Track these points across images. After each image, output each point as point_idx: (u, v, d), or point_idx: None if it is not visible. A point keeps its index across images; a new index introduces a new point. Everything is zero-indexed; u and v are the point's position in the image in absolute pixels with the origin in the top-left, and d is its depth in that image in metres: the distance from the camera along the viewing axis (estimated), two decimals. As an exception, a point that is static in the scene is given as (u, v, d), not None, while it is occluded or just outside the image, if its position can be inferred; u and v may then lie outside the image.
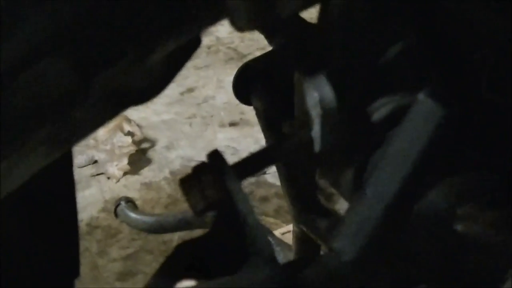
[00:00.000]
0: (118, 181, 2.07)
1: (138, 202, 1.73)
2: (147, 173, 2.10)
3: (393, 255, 0.55)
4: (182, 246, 0.53)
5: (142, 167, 2.12)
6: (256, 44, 2.58)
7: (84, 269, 1.66)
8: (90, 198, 1.99)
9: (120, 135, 2.19)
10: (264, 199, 1.87)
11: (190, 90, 2.45)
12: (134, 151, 2.16)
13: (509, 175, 0.55)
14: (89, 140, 2.11)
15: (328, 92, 0.55)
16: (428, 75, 0.54)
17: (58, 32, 0.40)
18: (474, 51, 0.55)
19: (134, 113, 2.26)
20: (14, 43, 0.39)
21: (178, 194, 1.98)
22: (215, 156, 0.52)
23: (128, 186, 2.05)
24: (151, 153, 2.19)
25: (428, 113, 0.51)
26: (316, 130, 0.57)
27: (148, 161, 2.15)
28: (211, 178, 0.52)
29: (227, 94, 2.38)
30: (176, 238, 1.80)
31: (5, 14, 0.38)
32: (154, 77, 0.52)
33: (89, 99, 0.46)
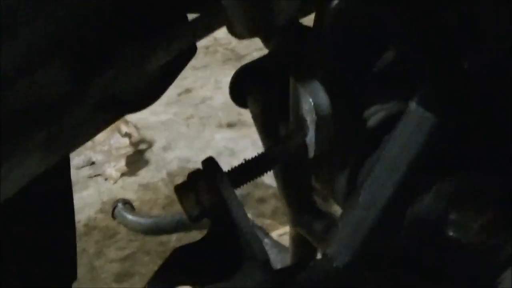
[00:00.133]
0: (115, 182, 2.08)
1: (135, 203, 1.74)
2: (144, 174, 2.10)
3: (386, 259, 0.55)
4: (178, 251, 0.53)
5: (139, 168, 2.13)
6: (253, 45, 2.58)
7: (81, 270, 1.67)
8: (88, 199, 1.99)
9: (117, 136, 2.20)
10: (261, 200, 1.88)
11: (188, 90, 2.45)
12: (131, 152, 2.17)
13: (504, 177, 0.55)
14: (87, 142, 2.11)
15: (322, 98, 0.55)
16: (420, 83, 0.55)
17: (55, 39, 0.40)
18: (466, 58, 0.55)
19: (131, 114, 2.26)
20: (13, 50, 0.39)
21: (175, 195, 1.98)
22: (210, 163, 0.53)
23: (125, 187, 2.05)
24: (148, 154, 2.19)
25: (420, 120, 0.52)
26: (310, 136, 0.57)
27: (146, 162, 2.15)
28: (205, 185, 0.53)
29: (225, 95, 2.37)
30: (173, 239, 1.80)
31: (4, 21, 0.38)
32: (150, 85, 0.53)
33: (85, 104, 0.47)
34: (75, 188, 0.78)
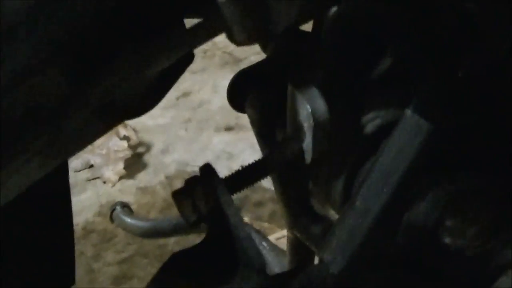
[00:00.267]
0: (113, 185, 2.08)
1: (133, 206, 1.74)
2: (142, 178, 2.11)
3: (385, 260, 0.56)
4: (176, 256, 0.54)
5: (137, 172, 2.13)
6: (251, 49, 2.58)
7: (79, 273, 1.67)
8: (86, 202, 2.00)
9: (116, 139, 2.20)
10: (259, 203, 1.88)
11: (186, 94, 2.45)
12: (129, 156, 2.17)
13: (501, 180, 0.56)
14: (85, 145, 2.11)
15: (320, 104, 0.56)
16: (416, 90, 0.55)
17: (55, 45, 0.40)
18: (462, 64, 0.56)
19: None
20: (12, 57, 0.39)
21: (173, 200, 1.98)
22: (207, 169, 0.53)
23: (123, 191, 2.06)
24: (146, 158, 2.20)
25: (416, 128, 0.52)
26: (307, 142, 0.57)
27: (144, 166, 2.16)
28: (202, 191, 0.53)
29: (223, 99, 2.38)
30: (171, 242, 1.80)
31: (4, 26, 0.38)
32: (149, 90, 0.53)
33: (84, 111, 0.47)
34: (73, 191, 0.78)
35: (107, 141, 2.18)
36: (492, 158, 0.57)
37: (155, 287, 0.55)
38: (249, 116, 0.83)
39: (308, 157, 0.58)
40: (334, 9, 0.62)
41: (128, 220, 1.60)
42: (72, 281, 0.77)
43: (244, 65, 2.54)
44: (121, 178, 2.10)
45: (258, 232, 1.43)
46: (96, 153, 2.16)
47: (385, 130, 0.56)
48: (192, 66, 0.58)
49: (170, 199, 1.88)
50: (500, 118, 0.56)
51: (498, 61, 0.55)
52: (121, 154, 2.16)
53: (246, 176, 0.59)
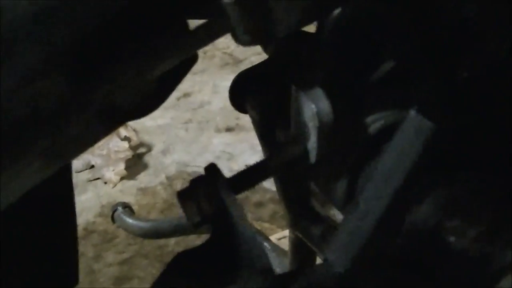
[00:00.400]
0: (114, 186, 2.08)
1: (134, 207, 1.74)
2: (143, 178, 2.11)
3: (386, 260, 0.56)
4: (180, 256, 0.54)
5: (138, 172, 2.13)
6: (252, 49, 2.59)
7: (80, 273, 1.67)
8: (87, 203, 2.00)
9: (116, 140, 2.20)
10: (260, 204, 1.88)
11: (186, 95, 2.46)
12: (130, 156, 2.17)
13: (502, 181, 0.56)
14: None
15: (325, 105, 0.56)
16: (419, 91, 0.55)
17: (57, 49, 0.40)
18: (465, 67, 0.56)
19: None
20: (14, 60, 0.40)
21: (174, 199, 1.98)
22: (212, 169, 0.53)
23: (124, 191, 2.06)
24: (147, 158, 2.20)
25: (419, 129, 0.53)
26: (312, 142, 0.58)
27: (145, 166, 2.16)
28: (207, 192, 0.53)
29: (223, 99, 2.39)
30: (171, 243, 1.80)
31: (7, 32, 0.38)
32: (152, 92, 0.53)
33: (86, 114, 0.47)
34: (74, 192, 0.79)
35: (108, 142, 2.18)
36: (492, 158, 0.57)
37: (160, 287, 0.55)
38: (251, 117, 0.83)
39: (313, 158, 0.58)
40: (337, 10, 0.62)
41: (130, 220, 1.60)
42: (76, 281, 0.77)
43: (244, 65, 2.54)
44: (122, 178, 2.10)
45: (259, 232, 1.43)
46: (97, 154, 2.16)
47: (388, 131, 0.57)
48: (192, 67, 0.58)
49: (171, 200, 1.89)
50: (500, 118, 0.56)
51: (498, 61, 0.55)
52: (121, 155, 2.16)
53: (250, 177, 0.59)
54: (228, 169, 1.95)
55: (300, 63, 0.74)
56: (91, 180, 2.12)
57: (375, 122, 0.59)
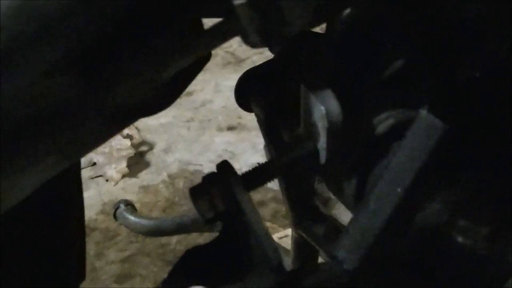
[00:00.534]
0: (116, 183, 2.08)
1: (136, 205, 1.74)
2: (145, 176, 2.11)
3: (393, 263, 0.56)
4: (191, 252, 0.54)
5: (140, 170, 2.14)
6: (253, 49, 2.58)
7: (82, 271, 1.67)
8: (89, 200, 2.00)
9: (118, 138, 2.20)
10: (261, 203, 1.89)
11: (188, 94, 2.46)
12: (132, 154, 2.18)
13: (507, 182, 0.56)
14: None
15: (334, 105, 0.56)
16: (430, 90, 0.56)
17: (73, 49, 0.41)
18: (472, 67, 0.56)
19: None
20: (31, 59, 0.40)
21: (176, 197, 1.99)
22: (224, 166, 0.54)
23: (126, 189, 2.06)
24: (149, 156, 2.20)
25: (430, 127, 0.53)
26: (322, 142, 0.58)
27: (146, 164, 2.16)
28: (220, 188, 0.54)
29: (225, 98, 2.39)
30: (173, 241, 1.81)
31: (23, 31, 0.39)
32: (164, 92, 0.54)
33: (100, 112, 0.48)
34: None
35: (110, 140, 2.18)
36: (492, 158, 0.58)
37: (169, 284, 0.55)
38: (256, 115, 0.84)
39: (322, 158, 0.59)
40: (346, 11, 0.62)
41: (132, 218, 1.61)
42: (83, 277, 0.78)
43: (246, 65, 2.54)
44: (123, 176, 2.10)
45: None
46: (99, 152, 2.16)
47: (398, 130, 0.57)
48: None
49: (173, 198, 1.89)
50: (500, 118, 0.57)
51: (498, 62, 0.55)
52: (124, 153, 2.16)
53: (261, 175, 0.60)
54: (230, 168, 1.95)
55: (307, 63, 0.74)
56: (93, 178, 2.12)
57: (383, 121, 0.59)
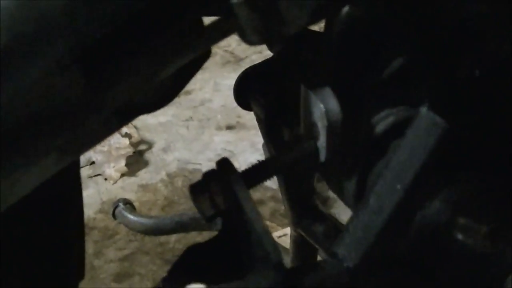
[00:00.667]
0: (115, 182, 2.08)
1: (134, 204, 1.74)
2: (144, 175, 2.11)
3: (393, 262, 0.57)
4: (191, 250, 0.54)
5: (139, 169, 2.14)
6: (253, 47, 2.59)
7: (81, 269, 1.67)
8: (87, 199, 2.00)
9: (117, 136, 2.20)
10: (260, 202, 1.89)
11: (187, 92, 2.46)
12: (131, 153, 2.17)
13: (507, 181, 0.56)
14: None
15: (334, 104, 0.57)
16: (430, 89, 0.56)
17: (74, 49, 0.41)
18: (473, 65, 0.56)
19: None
20: (33, 58, 0.40)
21: (175, 196, 1.99)
22: (225, 163, 0.54)
23: (125, 188, 2.06)
24: (148, 155, 2.20)
25: (431, 126, 0.53)
26: (322, 141, 0.58)
27: (145, 163, 2.16)
28: (220, 186, 0.54)
29: (224, 97, 2.39)
30: (172, 240, 1.81)
31: (27, 33, 0.39)
32: (164, 90, 0.54)
33: (102, 111, 0.48)
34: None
35: (109, 138, 2.18)
36: (492, 158, 0.58)
37: (169, 282, 0.55)
38: (256, 114, 0.84)
39: (322, 156, 0.59)
40: (345, 9, 0.62)
41: (131, 217, 1.60)
42: (82, 276, 0.78)
43: (245, 64, 2.54)
44: (122, 175, 2.10)
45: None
46: (98, 150, 2.16)
47: (398, 129, 0.57)
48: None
49: (172, 197, 1.89)
50: (500, 118, 0.57)
51: (498, 61, 0.56)
52: (122, 152, 2.16)
53: (261, 172, 0.60)
54: (229, 167, 1.95)
55: (307, 62, 0.74)
56: (91, 177, 2.12)
57: (384, 119, 0.59)
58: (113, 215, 1.63)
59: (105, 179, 2.10)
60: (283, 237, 1.61)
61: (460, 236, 0.54)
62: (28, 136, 0.43)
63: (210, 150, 2.17)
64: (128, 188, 2.05)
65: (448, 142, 0.54)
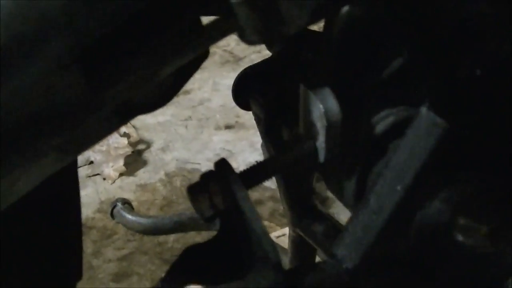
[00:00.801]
0: (113, 182, 2.08)
1: (133, 204, 1.74)
2: (142, 175, 2.11)
3: (393, 262, 0.57)
4: (190, 250, 0.54)
5: (137, 169, 2.13)
6: (252, 47, 2.59)
7: (79, 269, 1.67)
8: (86, 198, 2.00)
9: (116, 136, 2.20)
10: (259, 202, 1.89)
11: (186, 92, 2.46)
12: (130, 153, 2.17)
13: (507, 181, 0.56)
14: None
15: (333, 104, 0.56)
16: (430, 88, 0.56)
17: (75, 49, 0.41)
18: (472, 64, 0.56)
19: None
20: (33, 57, 0.40)
21: (173, 196, 1.99)
22: (223, 164, 0.54)
23: (123, 187, 2.06)
24: (146, 155, 2.20)
25: (431, 126, 0.53)
26: (321, 141, 0.58)
27: (144, 163, 2.16)
28: (218, 186, 0.54)
29: (223, 97, 2.39)
30: (171, 240, 1.81)
31: (27, 32, 0.39)
32: (163, 89, 0.54)
33: (101, 111, 0.48)
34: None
35: (108, 138, 2.18)
36: (492, 158, 0.58)
37: (168, 282, 0.55)
38: (255, 114, 0.84)
39: (322, 156, 0.59)
40: (345, 9, 0.62)
41: (129, 216, 1.60)
42: (80, 276, 0.78)
43: (244, 63, 2.54)
44: (121, 175, 2.10)
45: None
46: (96, 150, 2.16)
47: (398, 128, 0.57)
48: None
49: (170, 197, 1.89)
50: (501, 118, 0.57)
51: (498, 61, 0.56)
52: (121, 151, 2.16)
53: (259, 173, 0.60)
54: (228, 167, 1.95)
55: (307, 62, 0.74)
56: (90, 176, 2.12)
57: (383, 119, 0.59)
58: (112, 214, 1.63)
59: (104, 178, 2.10)
60: (282, 237, 1.61)
61: (460, 236, 0.54)
62: (28, 136, 0.43)
63: (209, 150, 2.17)
64: (126, 188, 2.05)
65: (448, 142, 0.54)
